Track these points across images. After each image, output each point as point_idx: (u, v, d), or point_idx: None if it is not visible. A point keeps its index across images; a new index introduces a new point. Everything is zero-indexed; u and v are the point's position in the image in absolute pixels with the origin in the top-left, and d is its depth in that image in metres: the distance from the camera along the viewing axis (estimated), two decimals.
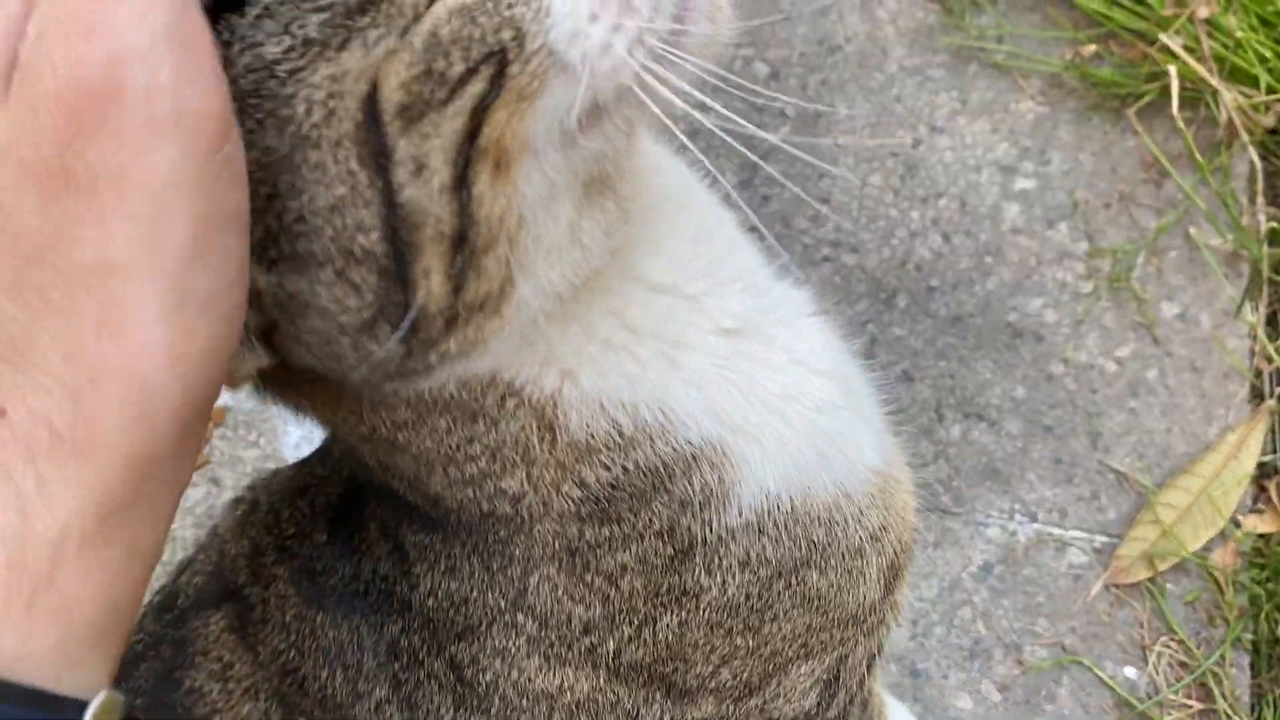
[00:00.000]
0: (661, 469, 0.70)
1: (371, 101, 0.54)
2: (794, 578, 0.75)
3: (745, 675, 0.78)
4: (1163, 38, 1.52)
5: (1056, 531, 1.46)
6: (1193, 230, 1.55)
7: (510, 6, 0.55)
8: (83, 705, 0.46)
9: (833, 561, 0.76)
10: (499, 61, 0.55)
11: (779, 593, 0.75)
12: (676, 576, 0.73)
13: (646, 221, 0.70)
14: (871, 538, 0.78)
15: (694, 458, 0.70)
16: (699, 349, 0.71)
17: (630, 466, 0.70)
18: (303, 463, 0.84)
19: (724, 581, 0.73)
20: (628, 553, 0.71)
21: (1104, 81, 1.60)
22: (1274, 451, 1.47)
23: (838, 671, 0.85)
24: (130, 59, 0.44)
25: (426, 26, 0.54)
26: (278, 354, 0.60)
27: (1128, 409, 1.50)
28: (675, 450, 0.70)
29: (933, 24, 1.67)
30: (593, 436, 0.68)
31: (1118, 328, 1.53)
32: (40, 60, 0.44)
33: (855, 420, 0.78)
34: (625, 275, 0.68)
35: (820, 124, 1.64)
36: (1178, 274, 1.55)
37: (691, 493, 0.71)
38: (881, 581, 0.80)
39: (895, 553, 0.81)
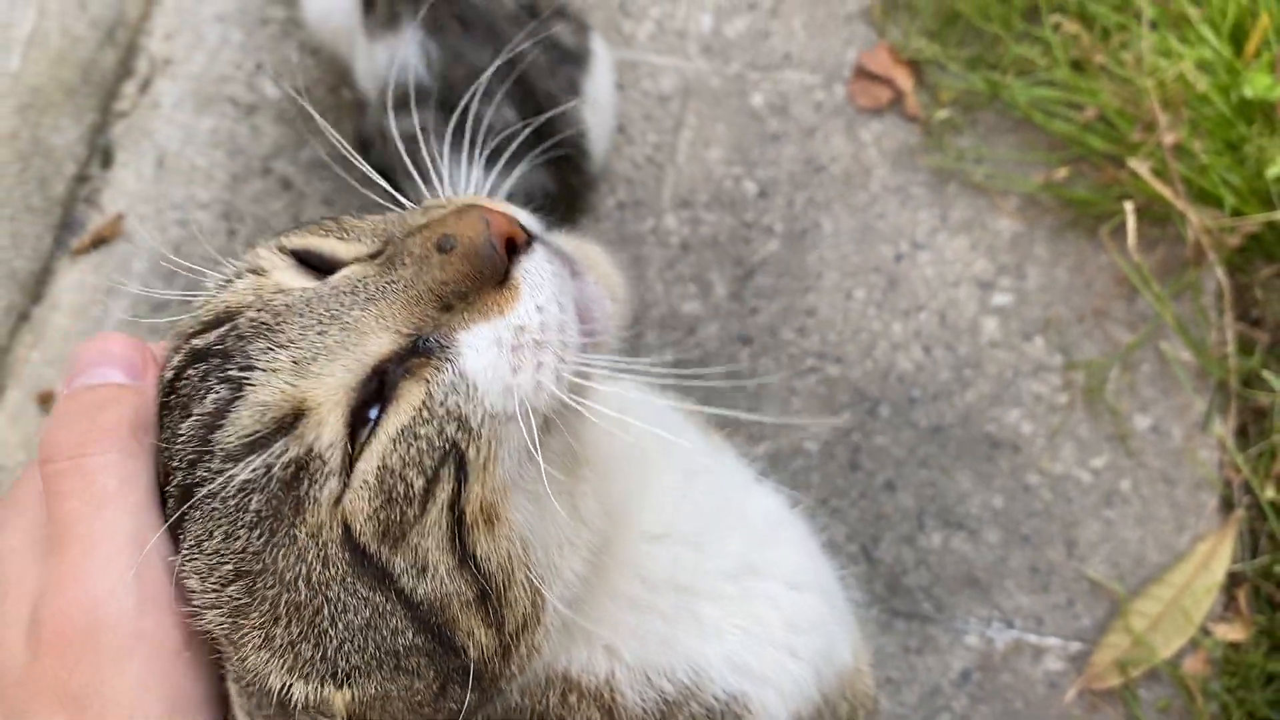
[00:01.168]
0: None
1: (350, 539, 0.59)
2: None
3: None
4: (1131, 163, 1.59)
5: (1033, 638, 1.51)
6: (1164, 345, 1.62)
7: (441, 404, 0.59)
8: None
9: None
10: (455, 456, 0.59)
11: None
12: None
13: (627, 472, 0.74)
14: None
15: (721, 714, 0.77)
16: (711, 596, 0.77)
17: None
18: None
19: None
20: None
21: (1078, 201, 1.67)
22: (1244, 560, 1.52)
23: None
24: (99, 604, 0.58)
25: (374, 462, 0.59)
26: None
27: (1102, 518, 1.55)
28: (706, 709, 0.76)
29: (914, 145, 1.75)
30: (645, 710, 0.74)
31: (1092, 439, 1.59)
32: (41, 614, 0.59)
33: (836, 625, 0.85)
34: (625, 533, 0.73)
35: (807, 240, 1.71)
36: (1150, 387, 1.61)
37: None
38: None
39: None
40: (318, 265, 0.65)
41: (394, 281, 0.61)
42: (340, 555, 0.60)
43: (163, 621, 0.59)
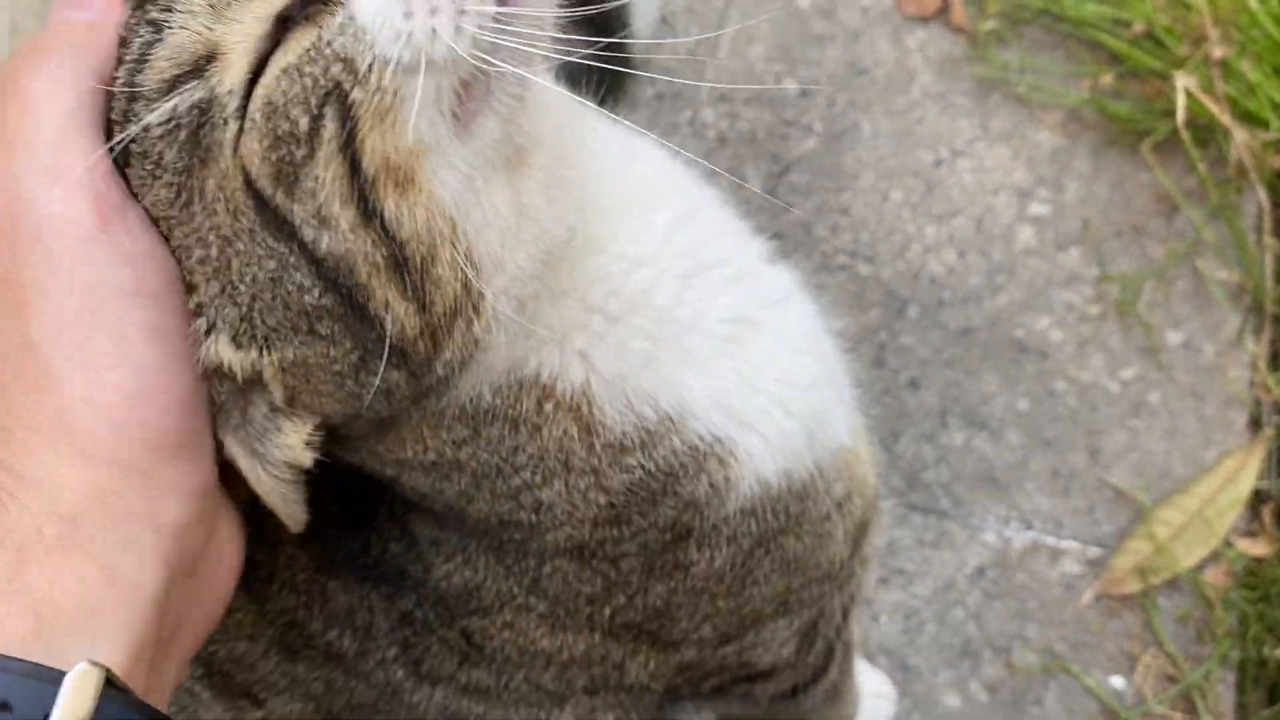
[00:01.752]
0: (675, 468, 0.74)
1: (250, 185, 0.59)
2: (772, 544, 0.80)
3: (725, 629, 0.83)
4: (1177, 76, 1.57)
5: (1051, 540, 1.48)
6: (1200, 263, 1.59)
7: (328, 44, 0.58)
8: (61, 674, 0.52)
9: (805, 528, 0.81)
10: (339, 97, 0.58)
11: (759, 559, 0.80)
12: (670, 555, 0.77)
13: (607, 198, 0.72)
14: (837, 504, 0.83)
15: (704, 455, 0.74)
16: (700, 332, 0.75)
17: (651, 468, 0.73)
18: None
19: (711, 556, 0.78)
20: (632, 543, 0.75)
21: (1120, 117, 1.65)
22: (1270, 478, 1.49)
23: (815, 623, 0.90)
24: (16, 191, 0.59)
25: (260, 99, 0.58)
26: (312, 414, 0.65)
27: (1128, 428, 1.53)
28: (689, 447, 0.74)
29: (959, 55, 1.74)
30: (625, 433, 0.72)
31: (1123, 351, 1.57)
32: None
33: (834, 399, 0.83)
34: (595, 249, 0.71)
35: (845, 140, 1.70)
36: (1184, 303, 1.59)
37: (698, 492, 0.75)
38: (849, 541, 0.86)
39: (860, 514, 0.86)
40: None
41: None
42: (244, 203, 0.59)
43: (76, 203, 0.59)
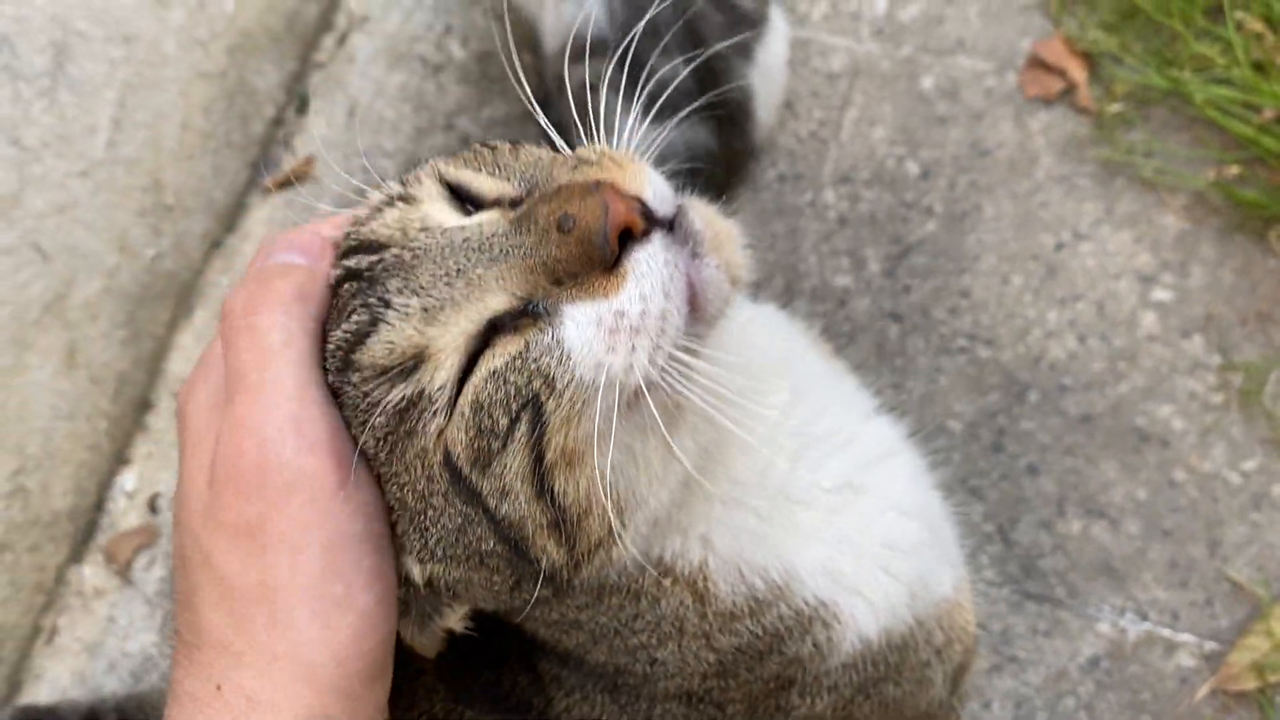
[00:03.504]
0: (781, 631, 0.81)
1: (449, 462, 0.67)
2: (872, 690, 0.86)
3: None
4: None
5: (1167, 632, 1.49)
6: None
7: (534, 360, 0.65)
8: None
9: (905, 675, 0.87)
10: (535, 405, 0.66)
11: (859, 704, 0.86)
12: (773, 700, 0.84)
13: (720, 451, 0.78)
14: (936, 652, 0.88)
15: (810, 619, 0.81)
16: (808, 504, 0.81)
17: (759, 631, 0.80)
18: None
19: (813, 702, 0.85)
20: (738, 692, 0.83)
21: (1248, 202, 1.65)
22: None
23: None
24: (266, 445, 0.65)
25: (470, 396, 0.66)
26: (467, 605, 0.76)
27: (1249, 521, 1.53)
28: (795, 611, 0.80)
29: (1083, 137, 1.75)
30: (735, 603, 0.79)
31: (1245, 441, 1.56)
32: (219, 454, 0.67)
33: (937, 556, 0.88)
34: (722, 446, 0.77)
35: (966, 223, 1.73)
36: None
37: (803, 651, 0.82)
38: (947, 682, 0.91)
39: (959, 658, 0.91)
40: (465, 198, 0.72)
41: (517, 247, 0.66)
42: (440, 474, 0.68)
43: (322, 463, 0.66)
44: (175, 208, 1.69)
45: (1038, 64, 1.79)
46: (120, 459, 1.69)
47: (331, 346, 0.69)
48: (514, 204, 0.69)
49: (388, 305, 0.67)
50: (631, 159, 0.69)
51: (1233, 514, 1.54)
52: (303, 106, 1.94)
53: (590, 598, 0.77)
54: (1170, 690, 1.47)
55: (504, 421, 0.66)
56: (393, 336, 0.67)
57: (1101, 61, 1.78)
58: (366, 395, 0.67)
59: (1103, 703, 1.47)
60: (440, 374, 0.66)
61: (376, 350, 0.67)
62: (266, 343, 0.67)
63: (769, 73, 1.68)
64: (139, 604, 1.65)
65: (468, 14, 1.99)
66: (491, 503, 0.68)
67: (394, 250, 0.69)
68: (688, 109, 1.67)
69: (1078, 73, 1.77)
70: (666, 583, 0.77)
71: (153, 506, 1.69)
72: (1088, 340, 1.65)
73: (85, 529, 1.66)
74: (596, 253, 0.63)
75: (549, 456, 0.66)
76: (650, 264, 0.64)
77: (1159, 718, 1.45)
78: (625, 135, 0.75)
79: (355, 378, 0.68)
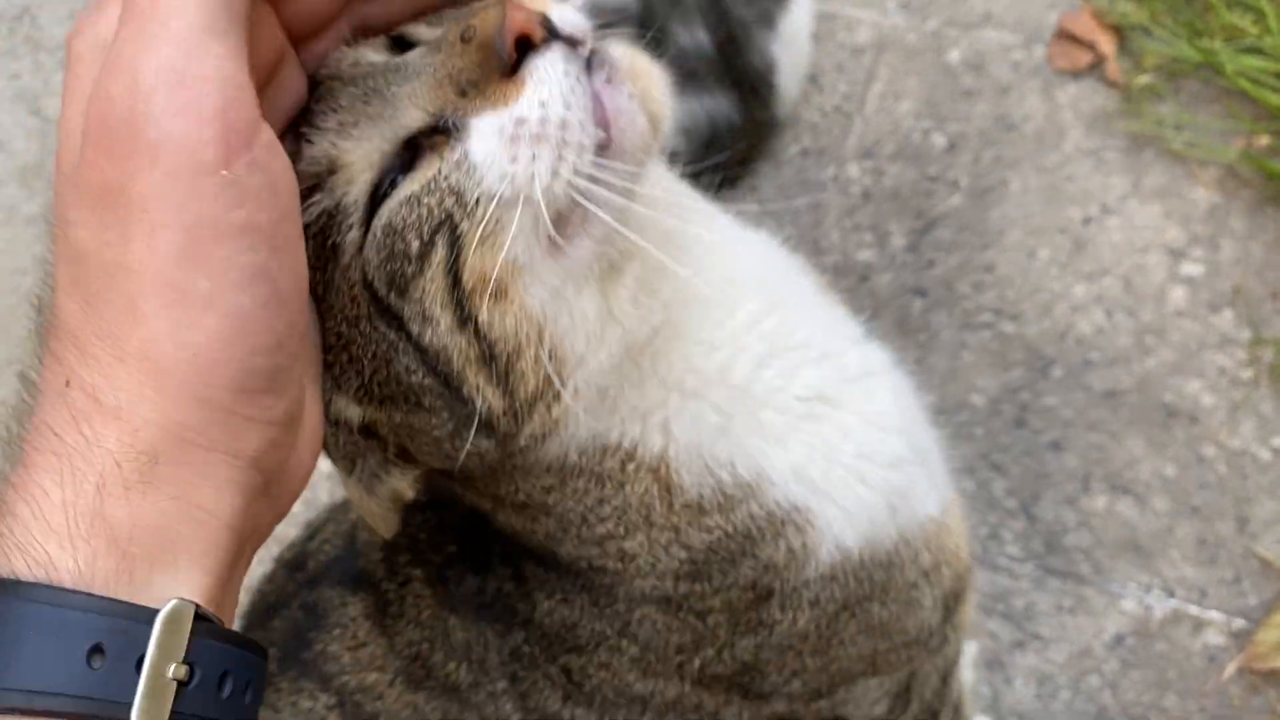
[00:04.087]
0: (753, 531, 0.79)
1: (367, 283, 0.66)
2: (857, 609, 0.84)
3: (814, 684, 0.88)
4: None
5: (1194, 610, 1.47)
6: None
7: (446, 179, 0.64)
8: (152, 613, 0.53)
9: (891, 594, 0.85)
10: (449, 226, 0.65)
11: (844, 622, 0.84)
12: (754, 613, 0.82)
13: (695, 292, 0.77)
14: (924, 574, 0.86)
15: (781, 522, 0.79)
16: (775, 407, 0.79)
17: (729, 529, 0.78)
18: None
19: (794, 617, 0.82)
20: (715, 599, 0.81)
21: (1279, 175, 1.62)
22: None
23: (908, 684, 0.94)
24: (138, 93, 0.54)
25: (383, 219, 0.65)
26: (415, 467, 0.74)
27: (1278, 498, 1.50)
28: (766, 512, 0.78)
29: (1111, 110, 1.72)
30: (702, 496, 0.77)
31: (1275, 417, 1.54)
32: (95, 94, 0.55)
33: (920, 473, 0.86)
34: (678, 336, 0.76)
35: (992, 196, 1.70)
36: None
37: (776, 556, 0.80)
38: (938, 608, 0.89)
39: (951, 583, 0.89)
40: (409, 45, 0.71)
41: (428, 65, 0.67)
42: (363, 295, 0.67)
43: (199, 130, 0.54)
44: None
45: (1066, 37, 1.77)
46: None
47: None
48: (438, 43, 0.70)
49: (312, 125, 0.68)
50: None
51: (1262, 490, 1.51)
52: None
53: (555, 480, 0.76)
54: (1197, 668, 1.44)
55: (415, 245, 0.65)
56: (311, 153, 0.66)
57: (1131, 34, 1.75)
58: None
59: (1127, 681, 1.45)
60: (354, 188, 0.66)
61: (300, 172, 0.64)
62: None
63: (792, 43, 1.67)
64: None
65: None
66: (414, 328, 0.67)
67: (328, 81, 0.69)
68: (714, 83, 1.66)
69: (1107, 45, 1.75)
70: (630, 468, 0.76)
71: None
72: (1114, 315, 1.62)
73: None
74: (494, 56, 0.64)
75: (466, 280, 0.65)
76: (549, 71, 0.64)
77: (1185, 696, 1.43)
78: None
79: None
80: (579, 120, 0.64)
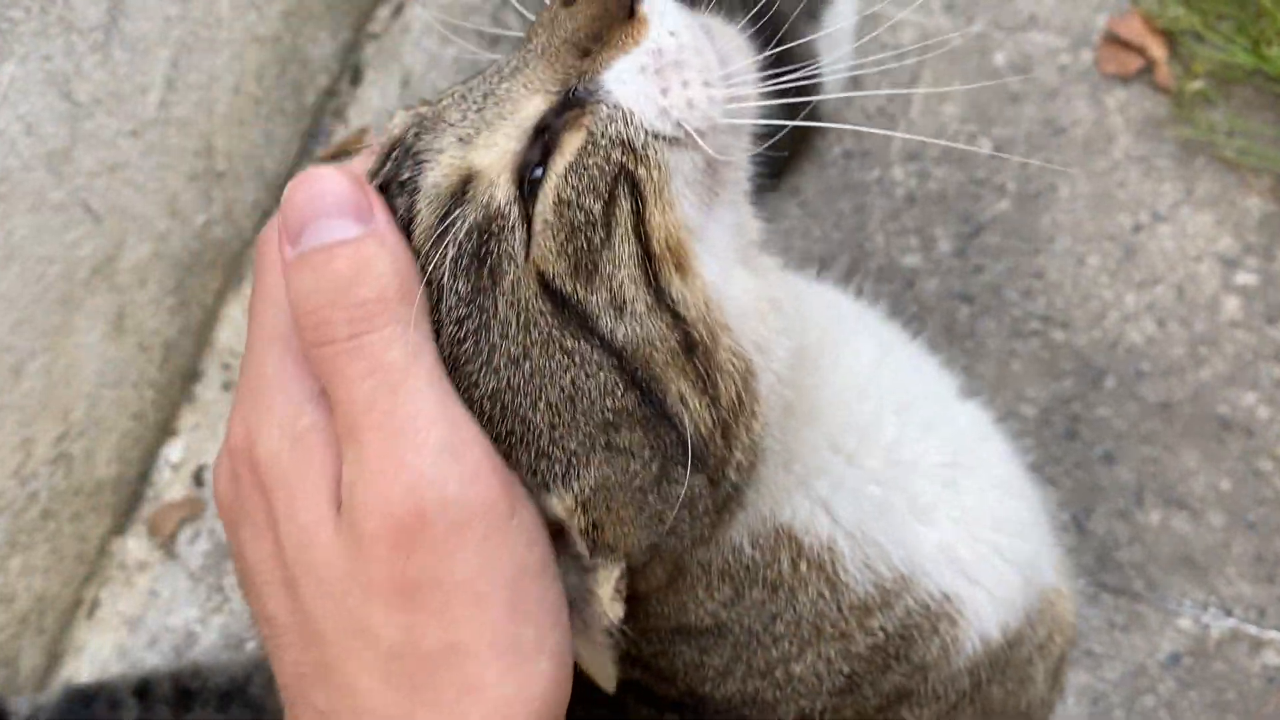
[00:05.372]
0: (911, 629, 0.74)
1: (546, 285, 0.59)
2: (976, 694, 0.79)
3: None
4: None
5: (1253, 630, 1.42)
6: None
7: (604, 136, 0.60)
8: None
9: (1009, 674, 0.81)
10: (626, 177, 0.60)
11: (962, 709, 0.79)
12: (881, 715, 0.77)
13: (818, 326, 0.73)
14: (1039, 647, 0.82)
15: (936, 616, 0.74)
16: (922, 474, 0.75)
17: (890, 629, 0.73)
18: None
19: (920, 714, 0.78)
20: (850, 711, 0.76)
21: None
22: None
23: None
24: (422, 485, 0.54)
25: (549, 199, 0.59)
26: (617, 553, 0.63)
27: None
28: (922, 605, 0.74)
29: (1162, 115, 1.68)
30: (867, 593, 0.71)
31: None
32: (358, 505, 0.55)
33: (1042, 540, 0.82)
34: (823, 372, 0.72)
35: (1040, 202, 1.66)
36: None
37: (929, 655, 0.75)
38: (1048, 678, 0.84)
39: (1059, 651, 0.85)
40: None
41: (530, 50, 0.63)
42: (540, 309, 0.59)
43: (489, 490, 0.56)
44: (226, 174, 1.65)
45: (1114, 41, 1.73)
46: (166, 429, 1.65)
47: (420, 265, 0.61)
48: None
49: (421, 162, 0.61)
50: None
51: None
52: (356, 77, 1.90)
53: (733, 590, 0.69)
54: (1256, 690, 1.40)
55: (598, 206, 0.59)
56: (433, 179, 0.60)
57: (1181, 39, 1.71)
58: (442, 280, 0.59)
59: (1184, 701, 1.40)
60: (499, 192, 0.60)
61: (423, 210, 0.59)
62: (387, 363, 0.55)
63: (835, 39, 1.62)
64: (182, 577, 1.61)
65: None
66: (607, 324, 0.59)
67: (414, 129, 0.64)
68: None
69: (1157, 50, 1.71)
70: (802, 568, 0.70)
71: (198, 479, 1.65)
72: (1167, 325, 1.58)
73: (129, 499, 1.62)
74: (611, 3, 0.62)
75: (655, 244, 0.60)
76: (665, 3, 0.63)
77: (1245, 718, 1.38)
78: None
79: (426, 276, 0.59)
80: (709, 47, 0.63)
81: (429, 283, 0.59)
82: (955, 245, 1.66)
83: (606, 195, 0.60)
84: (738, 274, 0.64)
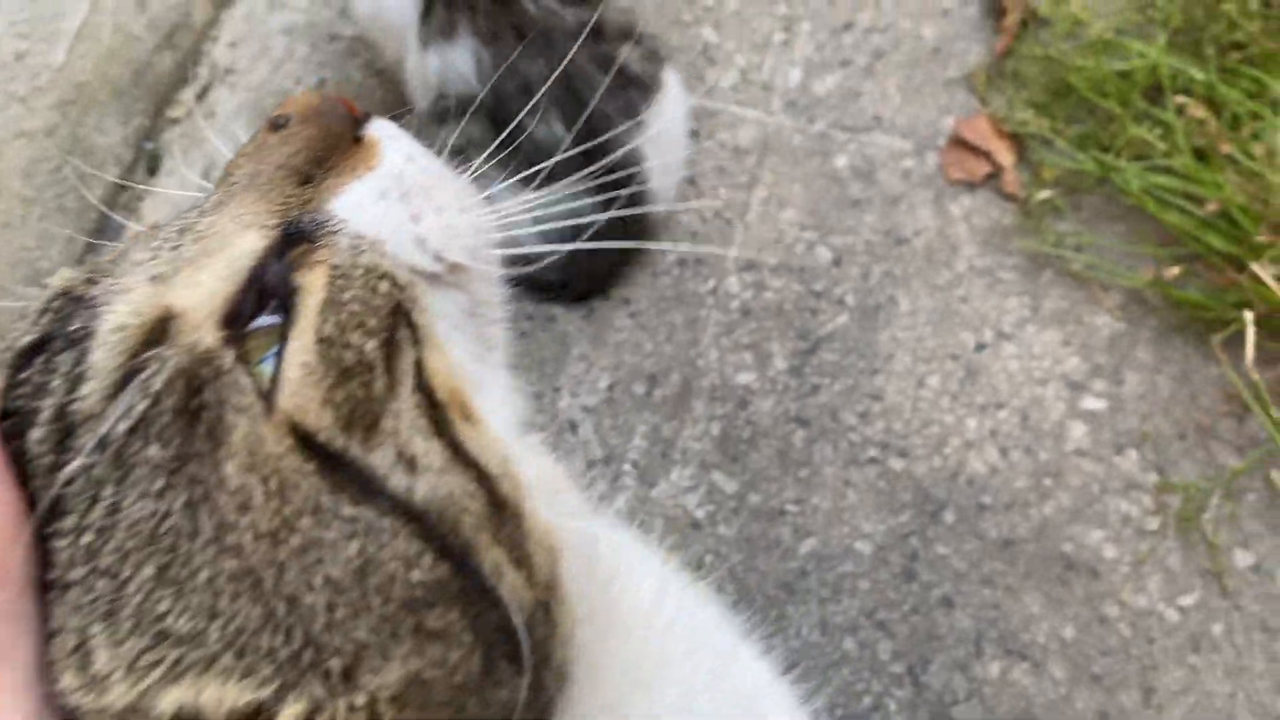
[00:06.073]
0: None
1: (308, 443, 0.46)
2: None
3: None
4: (1253, 267, 1.41)
5: None
6: (1275, 474, 1.42)
7: (357, 266, 0.50)
8: None
9: None
10: (403, 315, 0.50)
11: None
12: None
13: (608, 583, 0.62)
14: None
15: None
16: None
17: None
18: None
19: None
20: None
21: (1189, 304, 1.50)
22: None
23: None
24: None
25: (308, 338, 0.48)
26: None
27: (1187, 665, 1.36)
28: None
29: (1008, 225, 1.59)
30: None
31: (1183, 572, 1.40)
32: None
33: None
34: (613, 622, 0.60)
35: (880, 317, 1.56)
36: (1255, 520, 1.41)
37: None
38: None
39: None
40: None
41: (235, 182, 0.53)
42: (300, 469, 0.45)
43: None
44: None
45: (960, 144, 1.64)
46: None
47: (40, 459, 0.47)
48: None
49: (96, 309, 0.48)
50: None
51: (1169, 656, 1.36)
52: (154, 166, 1.74)
53: None
54: None
55: (371, 345, 0.48)
56: (118, 320, 0.47)
57: (1030, 144, 1.63)
58: (110, 448, 0.45)
59: None
60: (208, 336, 0.47)
61: (100, 359, 0.46)
62: None
63: (662, 141, 1.51)
64: None
65: (343, 67, 1.80)
66: (399, 483, 0.46)
67: (85, 276, 0.51)
68: (577, 183, 1.50)
69: (1004, 155, 1.62)
70: None
71: None
72: (1010, 453, 1.48)
73: None
74: (334, 119, 0.54)
75: (440, 391, 0.49)
76: (391, 128, 0.56)
77: None
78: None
79: (84, 438, 0.45)
80: (450, 171, 0.56)
81: (104, 446, 0.45)
82: (791, 363, 1.54)
83: (383, 334, 0.49)
84: (520, 445, 0.55)
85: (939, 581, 1.42)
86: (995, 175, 1.62)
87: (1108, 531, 1.43)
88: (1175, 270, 1.49)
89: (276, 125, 0.55)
